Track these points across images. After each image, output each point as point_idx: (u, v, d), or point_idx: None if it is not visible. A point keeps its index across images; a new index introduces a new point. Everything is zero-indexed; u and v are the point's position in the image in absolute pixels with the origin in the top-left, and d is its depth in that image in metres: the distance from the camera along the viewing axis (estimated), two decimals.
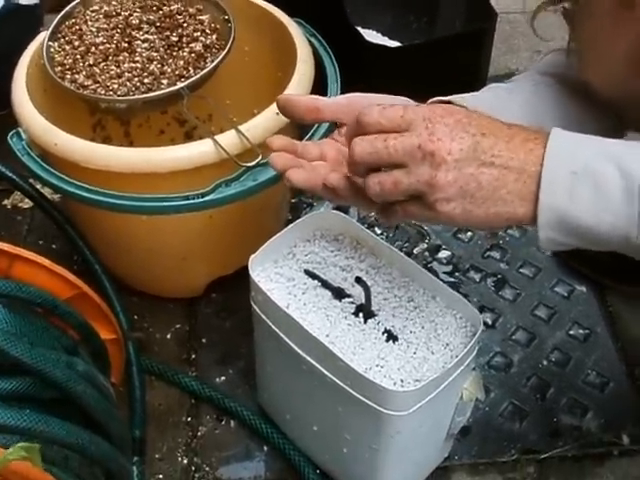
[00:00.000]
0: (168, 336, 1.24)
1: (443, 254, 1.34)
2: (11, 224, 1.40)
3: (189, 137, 1.41)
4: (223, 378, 1.18)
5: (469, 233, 1.37)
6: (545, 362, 1.20)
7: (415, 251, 1.34)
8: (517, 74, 1.70)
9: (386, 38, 1.55)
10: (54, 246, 1.36)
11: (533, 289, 1.30)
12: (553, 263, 1.33)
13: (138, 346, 1.15)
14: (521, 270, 1.32)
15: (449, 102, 0.89)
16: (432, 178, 0.70)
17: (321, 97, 0.87)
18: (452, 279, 1.30)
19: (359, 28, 1.49)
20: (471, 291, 1.29)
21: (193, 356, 1.21)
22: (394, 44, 1.54)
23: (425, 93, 1.43)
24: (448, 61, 1.43)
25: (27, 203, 1.41)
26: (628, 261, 0.76)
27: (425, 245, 1.35)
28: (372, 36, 1.53)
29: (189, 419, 1.14)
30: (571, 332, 1.24)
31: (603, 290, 1.29)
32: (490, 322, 1.24)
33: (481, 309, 1.26)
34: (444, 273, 1.31)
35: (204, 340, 1.23)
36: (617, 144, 0.70)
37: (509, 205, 0.71)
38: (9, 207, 1.43)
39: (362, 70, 1.43)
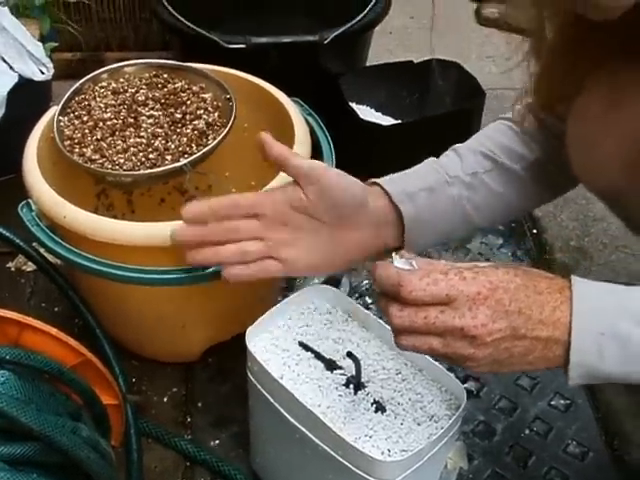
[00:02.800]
0: (165, 399, 1.28)
1: None
2: (15, 286, 1.45)
3: None
4: (217, 441, 1.22)
5: None
6: (527, 431, 1.24)
7: None
8: None
9: (379, 114, 1.62)
10: (56, 309, 1.41)
11: None
12: None
13: (136, 409, 1.19)
14: None
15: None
16: (470, 354, 0.76)
17: (293, 153, 0.94)
18: None
19: (354, 104, 1.56)
20: None
21: (189, 419, 1.25)
22: (387, 119, 1.60)
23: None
24: (439, 137, 1.48)
25: (30, 266, 1.45)
26: None
27: None
28: (366, 112, 1.60)
29: None
30: (552, 402, 1.28)
31: None
32: (474, 391, 1.29)
33: (466, 378, 1.30)
34: None
35: (200, 404, 1.27)
36: (636, 299, 0.76)
37: (533, 365, 0.78)
38: (13, 270, 1.47)
39: (357, 146, 1.50)
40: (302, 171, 0.92)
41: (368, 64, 1.76)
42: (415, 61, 1.63)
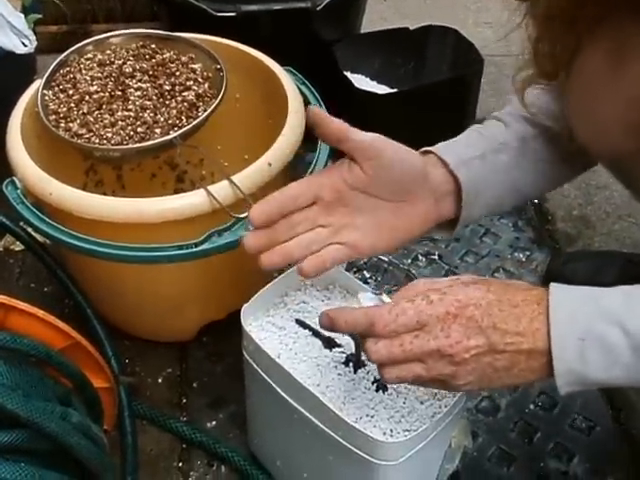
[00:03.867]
0: (159, 380, 1.25)
1: None
2: (3, 267, 1.42)
3: (180, 180, 1.43)
4: (214, 422, 1.19)
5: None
6: (532, 406, 1.21)
7: None
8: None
9: (374, 82, 1.58)
10: (46, 289, 1.37)
11: None
12: None
13: (129, 391, 1.16)
14: None
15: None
16: (454, 372, 0.76)
17: (351, 128, 0.86)
18: None
19: (348, 73, 1.52)
20: None
21: (184, 400, 1.23)
22: (382, 88, 1.56)
23: (414, 136, 1.46)
24: (436, 105, 1.46)
25: (19, 246, 1.42)
26: None
27: None
28: (361, 81, 1.56)
29: (180, 464, 1.15)
30: None
31: None
32: None
33: None
34: None
35: (195, 384, 1.24)
36: (615, 300, 0.74)
37: (521, 378, 0.77)
38: (1, 250, 1.44)
39: (352, 115, 1.45)
40: (364, 144, 0.85)
41: (362, 32, 1.71)
42: (411, 28, 1.59)
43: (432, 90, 1.46)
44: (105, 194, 1.36)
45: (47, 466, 0.81)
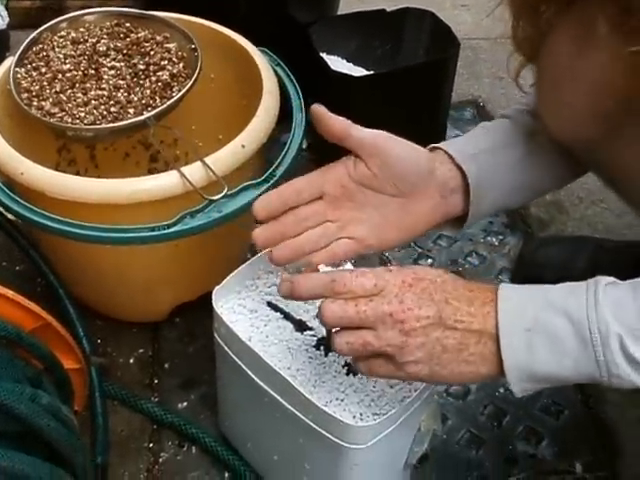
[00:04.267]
0: (131, 361, 1.25)
1: None
2: None
3: (154, 160, 1.42)
4: (185, 404, 1.19)
5: (430, 260, 1.40)
6: (502, 390, 1.22)
7: None
8: (480, 101, 1.75)
9: (351, 64, 1.57)
10: (18, 268, 1.36)
11: None
12: None
13: (101, 371, 1.16)
14: None
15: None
16: (402, 343, 0.76)
17: (354, 125, 0.88)
18: None
19: (324, 55, 1.51)
20: None
21: (155, 381, 1.22)
22: (359, 70, 1.56)
23: (390, 119, 1.46)
24: (412, 89, 1.46)
25: None
26: None
27: None
28: (337, 62, 1.55)
29: (151, 445, 1.15)
30: None
31: None
32: None
33: None
34: None
35: (167, 365, 1.24)
36: (559, 291, 0.76)
37: (472, 365, 0.77)
38: None
39: (327, 98, 1.45)
40: (366, 142, 0.87)
41: (339, 13, 1.71)
42: (387, 10, 1.58)
43: (408, 73, 1.45)
44: (78, 173, 1.36)
45: (16, 448, 0.81)
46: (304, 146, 1.58)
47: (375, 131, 0.88)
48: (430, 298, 0.76)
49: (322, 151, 1.49)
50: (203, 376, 1.21)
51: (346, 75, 1.42)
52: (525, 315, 0.75)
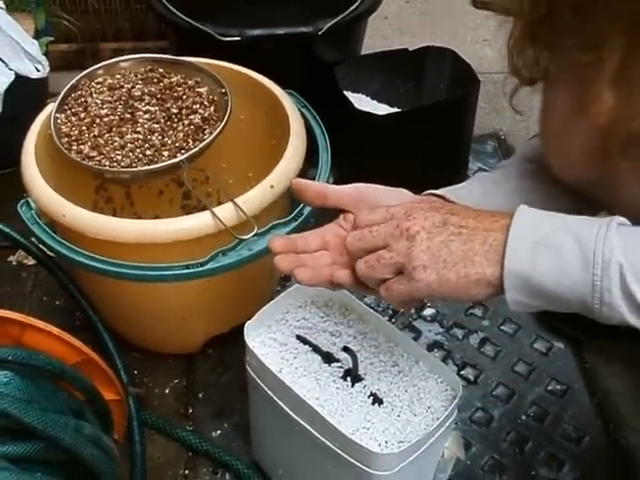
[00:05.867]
0: (167, 391, 1.30)
1: (428, 312, 1.41)
2: (16, 280, 1.47)
3: (187, 197, 1.48)
4: (219, 432, 1.24)
5: None
6: (524, 417, 1.26)
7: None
8: (501, 134, 1.80)
9: (375, 102, 1.63)
10: (58, 302, 1.42)
11: (513, 346, 1.37)
12: (532, 320, 1.40)
13: (138, 401, 1.22)
14: (502, 327, 1.40)
15: (441, 196, 0.95)
16: (408, 248, 0.79)
17: (330, 185, 0.94)
18: (436, 336, 1.37)
19: (349, 93, 1.57)
20: (454, 348, 1.36)
21: (190, 410, 1.28)
22: (383, 107, 1.61)
23: (413, 155, 1.52)
24: (434, 125, 1.51)
25: (32, 260, 1.46)
26: None
27: None
28: (361, 101, 1.61)
29: (186, 472, 1.20)
30: (549, 388, 1.30)
31: (579, 346, 1.36)
32: (472, 378, 1.31)
33: (464, 365, 1.33)
34: (428, 331, 1.38)
35: (201, 395, 1.29)
36: (576, 219, 0.77)
37: (477, 266, 0.77)
38: (14, 264, 1.49)
39: (352, 135, 1.51)
40: (346, 195, 0.92)
41: (364, 50, 1.76)
42: (410, 49, 1.64)
43: (429, 110, 1.51)
44: (115, 210, 1.42)
45: (61, 476, 0.87)
46: (330, 181, 1.64)
47: (354, 184, 0.93)
48: (436, 210, 0.81)
49: (349, 183, 1.55)
50: (236, 405, 1.25)
51: (369, 113, 1.48)
52: (537, 230, 0.76)
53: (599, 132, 0.84)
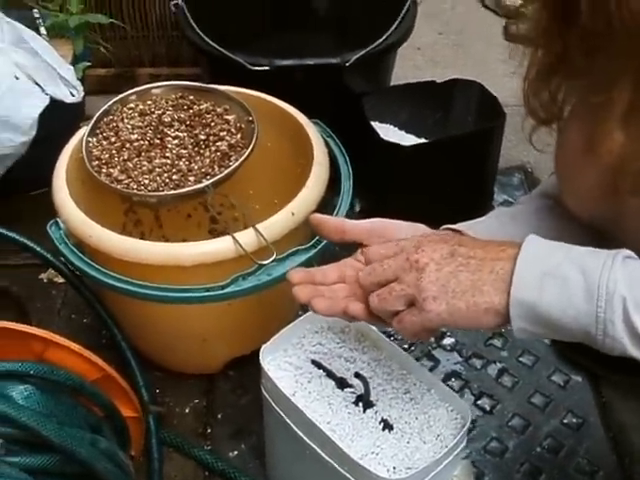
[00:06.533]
0: (186, 410, 1.33)
1: (447, 341, 1.43)
2: (47, 297, 1.51)
3: (214, 222, 1.50)
4: (236, 452, 1.27)
5: None
6: (539, 449, 1.27)
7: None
8: (528, 166, 1.81)
9: (402, 132, 1.65)
10: (85, 320, 1.46)
11: (531, 378, 1.38)
12: (551, 352, 1.41)
13: (158, 419, 1.24)
14: (520, 358, 1.40)
15: (459, 230, 0.97)
16: (418, 280, 0.81)
17: (348, 220, 0.97)
18: (454, 366, 1.39)
19: (376, 123, 1.59)
20: (472, 378, 1.37)
21: (209, 430, 1.30)
22: (410, 138, 1.64)
23: (437, 187, 1.54)
24: (459, 157, 1.52)
25: (62, 278, 1.50)
26: None
27: None
28: (389, 130, 1.63)
29: None
30: (565, 420, 1.31)
31: (597, 380, 1.37)
32: (488, 408, 1.32)
33: (480, 395, 1.34)
34: (447, 360, 1.40)
35: (220, 415, 1.32)
36: (584, 250, 0.79)
37: (486, 295, 0.79)
38: (45, 281, 1.53)
39: (377, 165, 1.54)
40: (364, 229, 0.94)
41: (395, 80, 1.79)
42: (438, 81, 1.66)
43: (454, 142, 1.53)
44: (143, 233, 1.46)
45: None
46: (357, 209, 1.67)
47: (371, 219, 0.96)
48: (444, 242, 0.83)
49: (374, 213, 1.57)
50: (253, 427, 1.28)
51: (394, 144, 1.50)
52: (545, 260, 0.77)
53: (609, 170, 0.85)
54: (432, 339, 1.43)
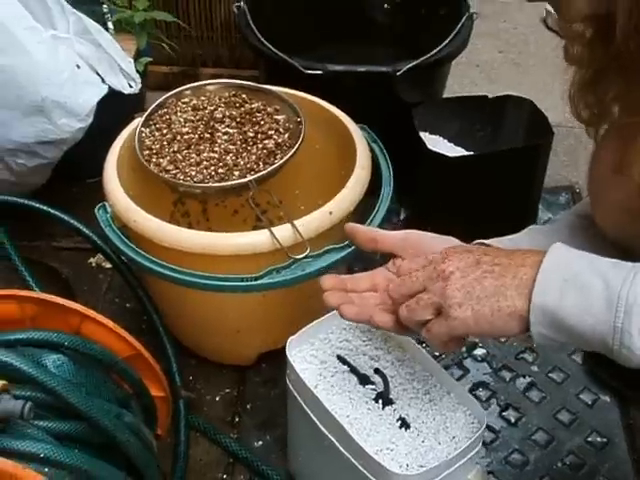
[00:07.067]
0: (217, 398, 1.37)
1: (479, 352, 1.44)
2: (93, 281, 1.56)
3: (260, 219, 1.54)
4: (261, 442, 1.30)
5: None
6: (560, 464, 1.27)
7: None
8: (576, 187, 1.81)
9: (452, 144, 1.67)
10: (128, 305, 1.51)
11: (559, 394, 1.38)
12: (581, 371, 1.42)
13: (188, 405, 1.28)
14: (550, 374, 1.41)
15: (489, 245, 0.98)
16: (443, 288, 0.83)
17: (380, 230, 1.00)
18: (483, 376, 1.40)
19: (426, 134, 1.62)
20: (500, 389, 1.38)
21: (237, 419, 1.34)
22: (458, 150, 1.66)
23: (481, 201, 1.55)
24: (504, 172, 1.53)
25: (109, 263, 1.56)
26: None
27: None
28: (438, 142, 1.65)
29: (225, 476, 1.26)
30: (589, 439, 1.31)
31: (626, 402, 1.37)
32: (513, 420, 1.33)
33: (506, 407, 1.35)
34: (477, 370, 1.41)
35: (249, 406, 1.36)
36: (607, 261, 0.80)
37: (509, 299, 0.80)
38: (94, 265, 1.59)
39: (424, 175, 1.56)
40: (397, 240, 0.97)
41: (452, 95, 1.81)
42: (489, 96, 1.68)
43: (500, 157, 1.54)
44: (190, 224, 1.50)
45: (98, 456, 0.93)
46: (402, 217, 1.70)
47: (405, 230, 0.98)
48: (470, 252, 0.85)
49: (418, 222, 1.59)
50: (280, 419, 1.30)
51: (441, 155, 1.52)
52: (568, 268, 0.79)
53: (638, 191, 0.87)
54: (463, 349, 1.44)
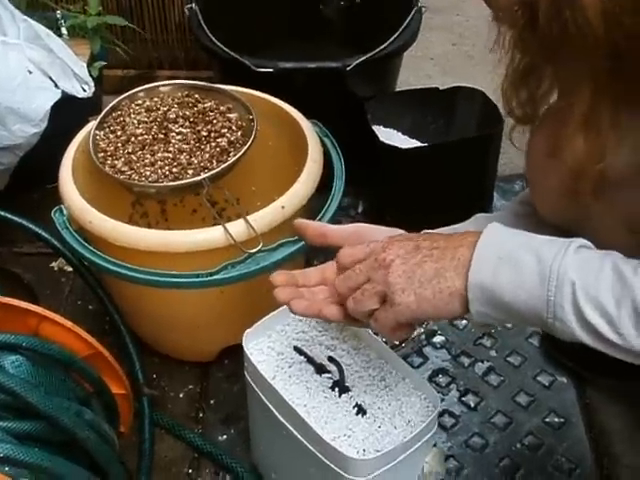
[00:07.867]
0: (181, 395, 1.39)
1: (438, 339, 1.47)
2: (56, 285, 1.57)
3: (219, 216, 1.56)
4: (225, 437, 1.32)
5: (464, 320, 1.49)
6: (519, 445, 1.30)
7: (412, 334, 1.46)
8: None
9: (406, 137, 1.70)
10: (90, 307, 1.53)
11: (517, 377, 1.41)
12: (538, 353, 1.45)
13: (152, 402, 1.30)
14: (508, 359, 1.44)
15: None
16: (385, 276, 0.85)
17: (329, 225, 1.02)
18: (443, 363, 1.43)
19: (379, 127, 1.64)
20: (459, 375, 1.41)
21: (201, 415, 1.36)
22: (413, 143, 1.68)
23: (436, 190, 1.57)
24: (456, 162, 1.56)
25: (70, 267, 1.57)
26: (606, 355, 0.84)
27: (422, 330, 1.48)
28: (392, 135, 1.68)
29: (190, 471, 1.27)
30: (547, 420, 1.34)
31: (582, 382, 1.40)
32: (472, 405, 1.36)
33: (466, 392, 1.38)
34: (436, 357, 1.44)
35: (212, 401, 1.38)
36: (541, 238, 0.83)
37: (449, 280, 0.83)
38: (56, 269, 1.60)
39: (378, 168, 1.58)
40: (346, 235, 0.99)
41: (407, 88, 1.84)
42: (440, 88, 1.71)
43: (452, 147, 1.57)
44: (149, 224, 1.51)
45: (60, 454, 0.94)
46: (359, 210, 1.72)
47: (354, 224, 1.01)
48: (409, 239, 0.87)
49: (376, 214, 1.62)
50: (243, 413, 1.31)
51: (394, 147, 1.54)
52: (503, 246, 0.82)
53: (571, 174, 0.89)
54: (423, 337, 1.47)
